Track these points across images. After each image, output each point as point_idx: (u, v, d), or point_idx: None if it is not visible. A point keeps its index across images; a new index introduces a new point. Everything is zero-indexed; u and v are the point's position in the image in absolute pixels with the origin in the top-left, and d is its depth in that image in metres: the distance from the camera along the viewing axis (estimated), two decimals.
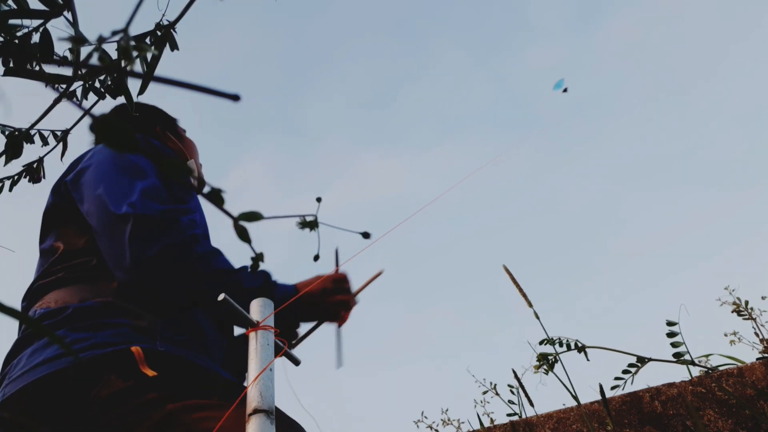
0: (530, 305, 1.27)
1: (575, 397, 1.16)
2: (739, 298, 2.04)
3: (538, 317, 1.25)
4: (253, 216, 0.27)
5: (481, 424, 1.39)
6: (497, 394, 2.13)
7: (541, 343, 1.63)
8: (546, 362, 1.49)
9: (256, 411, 0.81)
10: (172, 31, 0.63)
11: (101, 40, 0.34)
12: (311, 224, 0.44)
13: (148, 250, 0.99)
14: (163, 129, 1.43)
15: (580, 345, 1.52)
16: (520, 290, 1.28)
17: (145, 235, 1.00)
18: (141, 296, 1.06)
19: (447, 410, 2.56)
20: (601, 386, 1.17)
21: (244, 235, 0.28)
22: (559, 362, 1.49)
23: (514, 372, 1.40)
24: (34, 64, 0.48)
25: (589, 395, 1.78)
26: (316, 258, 0.76)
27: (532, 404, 1.48)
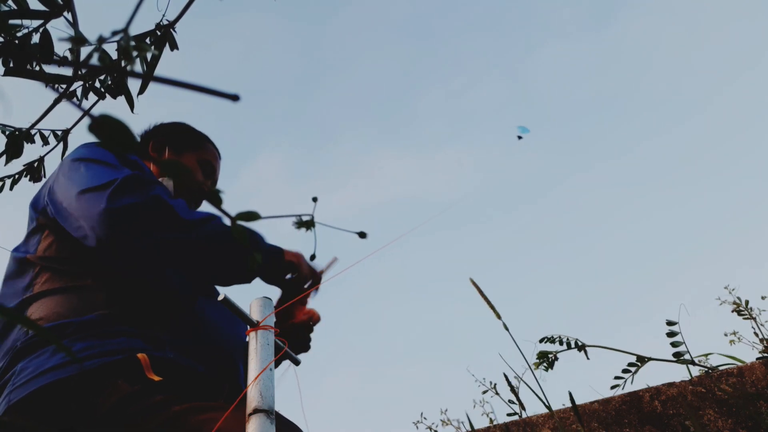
0: (499, 317, 1.27)
1: (548, 407, 1.16)
2: (739, 298, 2.04)
3: (507, 329, 1.25)
4: (251, 216, 0.27)
5: (471, 427, 1.39)
6: (497, 393, 2.13)
7: (541, 341, 1.63)
8: (546, 360, 1.49)
9: (256, 411, 0.81)
10: (171, 30, 0.63)
11: (101, 40, 0.34)
12: (307, 224, 0.44)
13: (122, 201, 1.02)
14: (160, 143, 1.46)
15: (579, 344, 1.53)
16: (488, 303, 1.27)
17: (123, 191, 1.02)
18: (114, 253, 1.07)
19: (446, 410, 2.56)
20: (570, 394, 1.16)
21: (241, 235, 0.28)
22: (551, 364, 1.49)
23: (505, 376, 1.39)
24: (35, 64, 0.48)
25: (589, 395, 1.78)
26: (313, 257, 0.76)
27: (523, 408, 1.48)
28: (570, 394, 1.14)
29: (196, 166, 1.48)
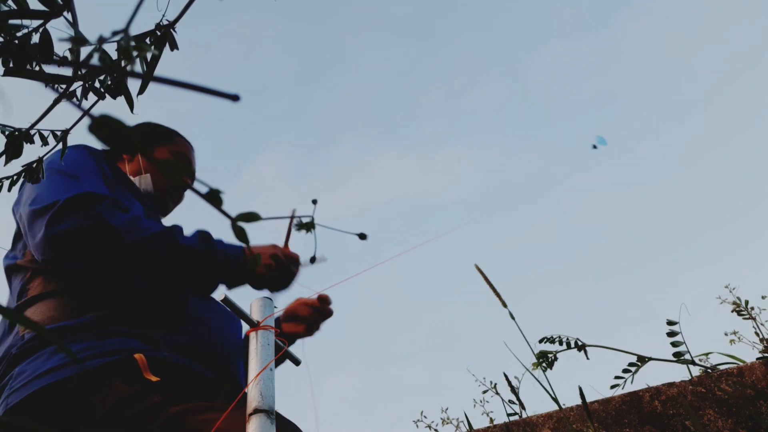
0: (504, 305, 1.27)
1: (555, 401, 1.16)
2: (739, 298, 2.04)
3: (513, 317, 1.25)
4: (251, 217, 0.27)
5: (470, 426, 1.39)
6: (497, 393, 2.13)
7: (541, 341, 1.64)
8: (545, 360, 1.49)
9: (256, 411, 0.81)
10: (172, 31, 0.63)
11: (101, 40, 0.34)
12: (307, 226, 0.44)
13: (60, 226, 1.00)
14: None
15: (580, 343, 1.52)
16: (494, 291, 1.27)
17: (64, 215, 1.00)
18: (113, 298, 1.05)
19: (447, 409, 2.56)
20: (580, 389, 1.16)
21: (242, 236, 0.28)
22: (550, 363, 1.49)
23: (505, 376, 1.39)
24: (34, 64, 0.48)
25: (589, 395, 1.78)
26: (313, 260, 0.76)
27: (523, 408, 1.48)
28: (580, 389, 1.14)
29: (168, 156, 1.47)
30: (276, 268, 1.16)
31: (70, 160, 1.16)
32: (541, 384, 1.19)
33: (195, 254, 1.06)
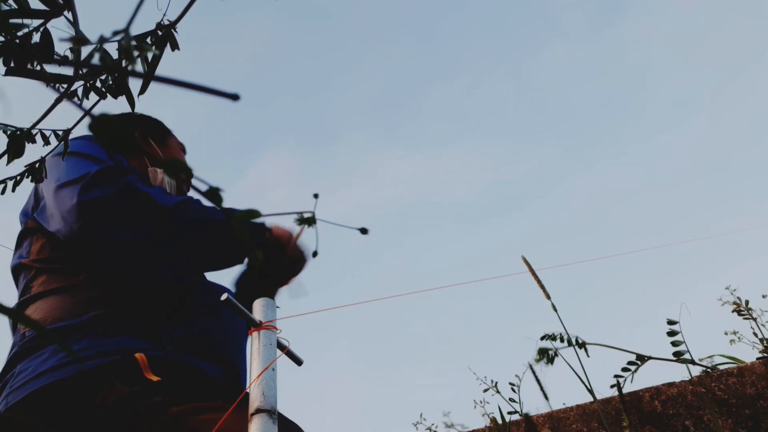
0: (548, 297, 1.27)
1: (591, 391, 1.15)
2: (739, 298, 2.04)
3: (555, 309, 1.25)
4: (252, 214, 0.27)
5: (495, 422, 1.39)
6: (498, 392, 2.13)
7: (542, 338, 1.63)
8: (546, 356, 1.49)
9: (258, 411, 0.81)
10: (173, 30, 0.63)
11: (102, 39, 0.34)
12: (308, 221, 0.44)
13: (94, 193, 1.00)
14: (144, 134, 1.42)
15: (580, 341, 1.52)
16: (539, 282, 1.28)
17: (96, 183, 1.01)
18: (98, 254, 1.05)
19: (449, 413, 2.56)
20: (618, 382, 1.16)
21: (242, 234, 0.28)
22: (561, 359, 1.49)
23: (511, 386, 1.40)
24: (35, 63, 0.48)
25: (589, 395, 1.78)
26: (315, 254, 0.76)
27: (525, 404, 1.47)
28: (618, 383, 1.14)
29: (179, 151, 1.48)
30: (293, 254, 1.19)
31: (85, 145, 1.16)
32: (575, 372, 1.18)
33: (223, 222, 1.07)
